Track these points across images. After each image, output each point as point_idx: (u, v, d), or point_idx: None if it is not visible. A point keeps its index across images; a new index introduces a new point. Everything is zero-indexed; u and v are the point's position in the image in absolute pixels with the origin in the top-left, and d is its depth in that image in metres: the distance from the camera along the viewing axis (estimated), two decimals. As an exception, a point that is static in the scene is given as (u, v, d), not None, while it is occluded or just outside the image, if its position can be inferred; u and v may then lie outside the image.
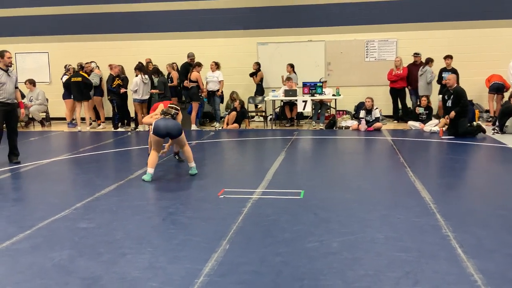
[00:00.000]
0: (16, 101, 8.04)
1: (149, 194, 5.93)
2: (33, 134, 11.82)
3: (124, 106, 12.35)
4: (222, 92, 12.42)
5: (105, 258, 3.91)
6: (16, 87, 8.05)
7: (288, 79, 12.40)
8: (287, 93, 11.96)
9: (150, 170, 6.52)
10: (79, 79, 12.17)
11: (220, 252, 3.99)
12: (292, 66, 12.74)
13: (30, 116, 13.15)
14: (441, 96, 11.65)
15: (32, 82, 13.14)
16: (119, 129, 12.14)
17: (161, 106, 7.38)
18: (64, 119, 13.44)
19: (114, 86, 11.96)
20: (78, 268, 3.72)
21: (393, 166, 7.35)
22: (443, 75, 11.67)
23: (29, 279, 3.55)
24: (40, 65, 14.50)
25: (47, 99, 13.42)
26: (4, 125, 7.93)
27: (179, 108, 7.07)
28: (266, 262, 3.79)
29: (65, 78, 12.62)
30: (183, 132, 6.77)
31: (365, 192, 5.82)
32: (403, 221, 4.70)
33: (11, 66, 7.94)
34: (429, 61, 12.01)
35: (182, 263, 3.79)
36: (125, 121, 12.55)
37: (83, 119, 13.64)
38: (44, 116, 13.44)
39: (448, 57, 11.77)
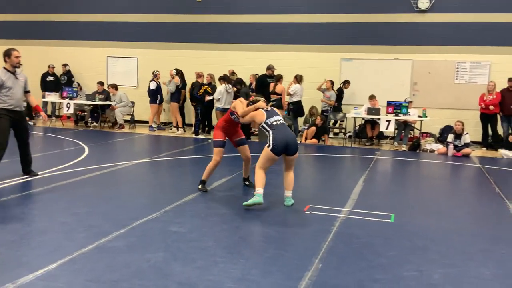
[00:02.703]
0: (24, 108, 6.85)
1: (235, 204, 5.88)
2: (118, 135, 12.30)
3: (208, 114, 12.58)
4: (287, 105, 12.28)
5: (199, 264, 3.90)
6: (27, 91, 6.90)
7: (372, 97, 12.12)
8: (370, 111, 11.67)
9: (261, 190, 5.51)
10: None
11: (313, 271, 3.86)
12: (296, 77, 12.32)
13: (115, 118, 13.73)
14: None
15: (114, 86, 13.72)
16: (200, 136, 12.36)
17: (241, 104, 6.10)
18: (148, 122, 13.93)
19: (200, 93, 12.23)
20: (174, 272, 3.73)
21: (488, 196, 6.88)
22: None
23: (127, 278, 3.60)
24: (129, 69, 15.14)
25: (132, 102, 13.95)
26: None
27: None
28: (364, 287, 3.61)
29: (153, 84, 13.06)
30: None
31: (461, 222, 5.48)
32: (509, 257, 4.35)
33: (19, 67, 6.61)
34: None
35: (275, 278, 3.70)
36: (206, 128, 12.76)
37: (165, 123, 14.08)
38: (129, 119, 13.96)
39: None
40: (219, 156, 6.28)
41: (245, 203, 5.50)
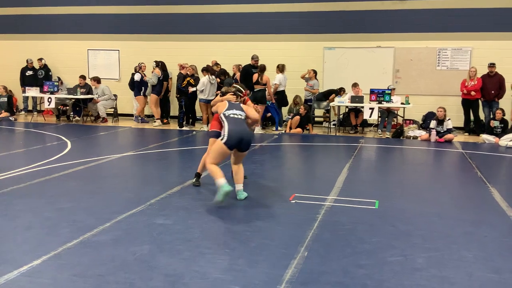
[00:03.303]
0: None
1: (220, 194, 5.91)
2: (101, 129, 12.19)
3: (192, 106, 12.52)
4: (275, 96, 12.29)
5: (185, 256, 3.91)
6: None
7: (355, 85, 12.16)
8: (353, 99, 11.72)
9: (223, 180, 5.24)
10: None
11: (299, 259, 3.89)
12: (278, 67, 12.30)
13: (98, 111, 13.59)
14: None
15: (96, 79, 13.54)
16: (184, 128, 12.31)
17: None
18: (131, 115, 13.86)
19: (184, 85, 12.17)
20: (160, 264, 3.73)
21: (471, 180, 6.99)
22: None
23: (113, 272, 3.59)
24: (110, 62, 14.97)
25: (115, 95, 13.81)
26: None
27: (245, 89, 6.15)
28: (349, 273, 3.65)
29: (137, 75, 12.94)
30: None
31: (445, 206, 5.55)
32: (491, 239, 4.43)
33: None
34: None
35: (262, 268, 3.72)
36: (190, 120, 12.71)
37: (148, 116, 13.99)
38: (112, 112, 13.83)
39: None
40: (210, 147, 6.09)
41: (216, 200, 5.21)
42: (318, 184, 6.65)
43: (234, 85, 6.19)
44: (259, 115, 11.83)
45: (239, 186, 5.58)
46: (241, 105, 5.82)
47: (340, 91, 12.73)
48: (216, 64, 13.07)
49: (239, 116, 5.59)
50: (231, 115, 5.56)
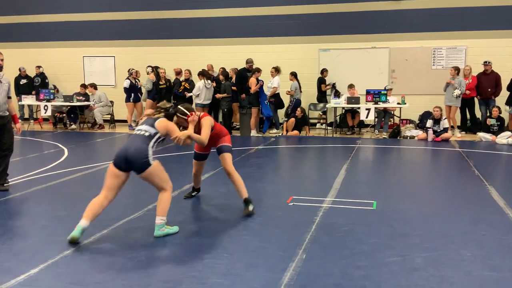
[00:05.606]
0: (7, 113, 6.30)
1: (218, 200, 5.91)
2: (98, 135, 12.18)
3: (188, 111, 12.52)
4: (272, 99, 12.27)
5: (183, 261, 3.90)
6: (9, 97, 6.34)
7: (351, 86, 12.18)
8: (349, 100, 11.74)
9: (83, 221, 4.30)
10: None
11: (297, 261, 3.89)
12: (277, 69, 12.29)
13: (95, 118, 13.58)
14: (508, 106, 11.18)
15: (93, 86, 13.54)
16: (181, 133, 12.29)
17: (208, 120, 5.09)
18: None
19: (180, 90, 12.16)
20: (158, 270, 3.72)
21: (468, 179, 6.99)
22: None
23: (110, 279, 3.58)
24: (106, 69, 14.98)
25: (111, 102, 13.80)
26: None
27: (190, 110, 4.90)
28: (347, 275, 3.65)
29: (125, 82, 12.89)
30: (155, 169, 4.52)
31: (442, 206, 5.56)
32: (489, 238, 4.43)
33: (1, 70, 6.14)
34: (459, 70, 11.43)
35: (260, 271, 3.72)
36: (187, 124, 12.69)
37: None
38: (109, 118, 13.82)
39: None
40: (194, 168, 5.75)
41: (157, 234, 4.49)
42: (315, 186, 6.65)
43: (179, 106, 4.95)
44: (253, 118, 11.82)
45: (158, 219, 4.46)
46: (158, 121, 4.66)
47: (322, 73, 12.83)
48: (215, 68, 13.03)
49: (140, 132, 4.58)
50: (136, 131, 4.68)
